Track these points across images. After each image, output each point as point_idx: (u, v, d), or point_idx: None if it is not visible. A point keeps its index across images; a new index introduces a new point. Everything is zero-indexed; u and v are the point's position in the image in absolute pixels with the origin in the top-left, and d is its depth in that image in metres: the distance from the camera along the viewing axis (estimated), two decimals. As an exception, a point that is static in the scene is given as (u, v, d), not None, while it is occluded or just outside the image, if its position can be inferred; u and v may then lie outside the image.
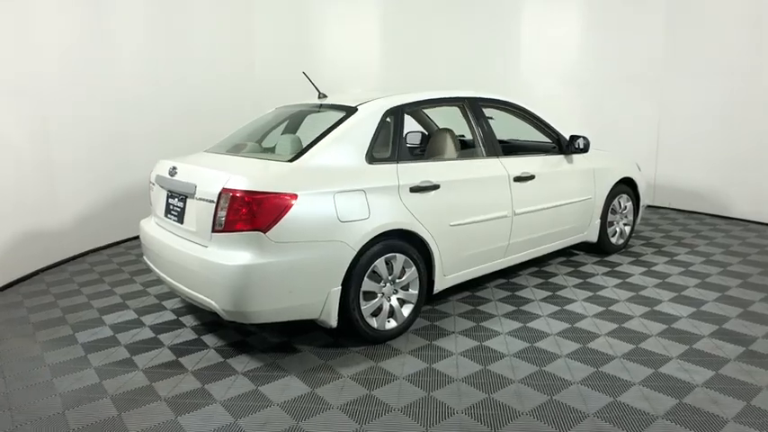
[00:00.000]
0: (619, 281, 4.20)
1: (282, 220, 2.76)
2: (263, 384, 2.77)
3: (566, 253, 4.94)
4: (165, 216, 3.29)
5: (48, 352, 3.17)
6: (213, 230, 2.82)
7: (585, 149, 4.33)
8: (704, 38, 6.09)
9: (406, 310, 3.31)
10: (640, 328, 3.34)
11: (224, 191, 2.77)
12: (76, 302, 3.93)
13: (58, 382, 2.81)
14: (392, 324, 3.25)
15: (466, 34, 7.31)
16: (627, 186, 4.90)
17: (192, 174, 3.08)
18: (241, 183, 2.77)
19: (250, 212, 2.72)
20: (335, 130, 3.16)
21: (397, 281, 3.25)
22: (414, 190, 3.26)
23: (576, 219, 4.45)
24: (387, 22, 7.22)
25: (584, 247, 4.93)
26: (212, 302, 2.84)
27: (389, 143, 3.34)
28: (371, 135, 3.23)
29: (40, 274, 4.55)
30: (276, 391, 2.71)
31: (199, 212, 2.93)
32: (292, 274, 2.81)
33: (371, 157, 3.18)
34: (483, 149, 3.81)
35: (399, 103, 3.45)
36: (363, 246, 3.01)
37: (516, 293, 3.96)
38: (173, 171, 3.22)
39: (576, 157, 4.42)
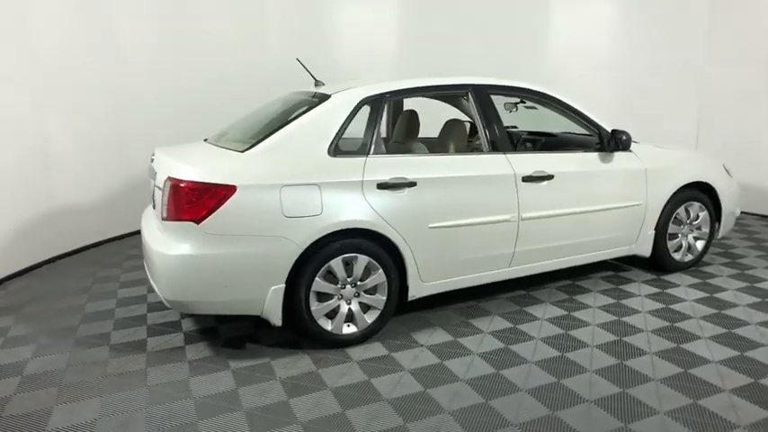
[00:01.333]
0: (659, 306, 3.49)
1: (218, 211, 2.67)
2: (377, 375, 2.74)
3: (611, 266, 4.24)
4: (152, 203, 3.40)
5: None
6: (161, 219, 2.83)
7: (624, 147, 3.65)
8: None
9: (371, 316, 3.07)
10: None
11: (167, 179, 2.76)
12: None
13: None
14: (351, 329, 3.03)
15: (492, 16, 6.62)
16: (700, 192, 4.04)
17: (159, 162, 3.12)
18: (181, 172, 2.74)
19: (188, 202, 2.68)
20: (297, 120, 2.99)
21: (359, 284, 3.01)
22: (382, 186, 2.97)
23: (618, 228, 3.77)
24: (407, 3, 6.69)
25: (640, 261, 4.18)
26: (157, 290, 2.87)
27: (362, 135, 3.08)
28: (339, 126, 2.99)
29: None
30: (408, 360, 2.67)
31: (158, 201, 2.97)
32: (227, 269, 2.72)
33: (336, 150, 2.96)
34: (487, 144, 3.37)
35: (379, 92, 3.15)
36: (313, 243, 2.82)
37: (525, 308, 3.48)
38: (152, 158, 3.31)
39: (621, 155, 3.73)
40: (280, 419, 2.38)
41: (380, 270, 3.02)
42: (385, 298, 3.07)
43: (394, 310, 3.14)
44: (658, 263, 4.09)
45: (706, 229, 4.17)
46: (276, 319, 2.85)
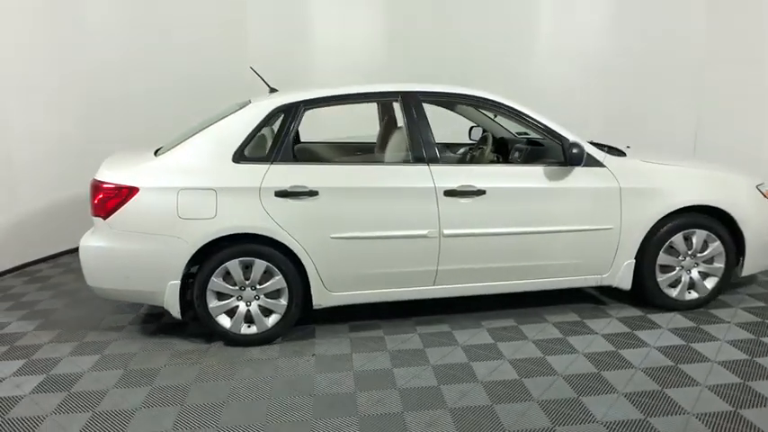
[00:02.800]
0: (606, 349, 2.99)
1: (121, 210, 2.98)
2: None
3: (589, 298, 3.70)
4: None
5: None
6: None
7: (573, 162, 3.18)
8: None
9: (272, 320, 3.15)
10: None
11: (92, 179, 3.14)
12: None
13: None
14: (252, 330, 3.14)
15: (481, 17, 6.00)
16: (709, 218, 3.34)
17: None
18: (100, 174, 3.09)
19: (99, 200, 3.03)
20: (209, 127, 3.16)
21: (258, 287, 3.10)
22: (280, 194, 3.02)
23: (579, 254, 3.30)
24: (391, 6, 6.19)
25: (634, 296, 3.58)
26: None
27: (270, 142, 3.15)
28: (247, 133, 3.10)
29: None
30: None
31: None
32: (127, 261, 3.01)
33: (240, 156, 3.08)
34: (410, 154, 3.19)
35: (294, 101, 3.18)
36: (210, 244, 2.99)
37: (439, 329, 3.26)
38: None
39: (588, 170, 3.25)
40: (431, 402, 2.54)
41: (279, 276, 3.09)
42: (286, 303, 3.13)
43: (298, 315, 3.18)
44: (647, 299, 3.48)
45: (719, 264, 3.43)
46: (175, 312, 3.07)
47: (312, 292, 3.14)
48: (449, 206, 3.13)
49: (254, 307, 3.13)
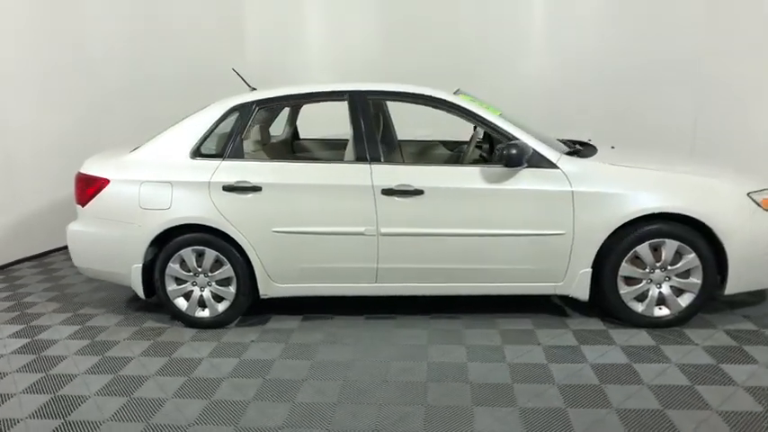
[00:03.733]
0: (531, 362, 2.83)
1: (95, 198, 3.36)
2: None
3: (547, 308, 3.48)
4: None
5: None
6: None
7: (508, 163, 3.01)
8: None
9: (222, 306, 3.37)
10: None
11: (77, 172, 3.55)
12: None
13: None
14: (205, 314, 3.39)
15: (473, 17, 5.82)
16: (683, 228, 3.01)
17: None
18: (83, 167, 3.50)
19: (80, 190, 3.44)
20: (175, 125, 3.44)
21: (210, 274, 3.34)
22: (227, 189, 3.22)
23: (528, 259, 3.15)
24: (387, 7, 6.03)
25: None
26: None
27: (224, 139, 3.35)
28: (204, 131, 3.34)
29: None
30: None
31: None
32: (99, 244, 3.39)
33: (197, 152, 3.33)
34: (353, 152, 3.24)
35: (247, 101, 3.36)
36: (162, 233, 3.28)
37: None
38: None
39: (538, 172, 3.09)
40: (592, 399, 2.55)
41: (228, 265, 3.30)
42: (234, 291, 3.34)
43: (247, 303, 3.37)
44: (611, 313, 3.22)
45: (696, 280, 3.08)
46: (140, 292, 3.40)
47: (258, 283, 3.32)
48: (386, 205, 3.14)
49: (206, 293, 3.38)
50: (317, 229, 3.20)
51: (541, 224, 3.09)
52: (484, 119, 3.20)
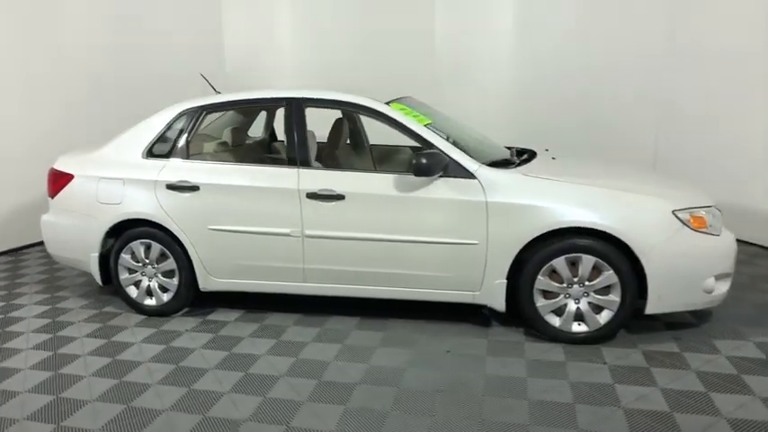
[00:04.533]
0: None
1: (61, 192, 3.71)
2: None
3: (477, 319, 3.45)
4: None
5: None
6: None
7: (416, 173, 3.05)
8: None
9: (167, 296, 3.63)
10: None
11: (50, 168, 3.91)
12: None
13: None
14: (152, 302, 3.66)
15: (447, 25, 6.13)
16: (602, 243, 2.94)
17: None
18: (56, 162, 3.85)
19: (51, 183, 3.79)
20: (134, 126, 3.72)
21: (156, 266, 3.60)
22: (170, 187, 3.47)
23: (444, 267, 3.18)
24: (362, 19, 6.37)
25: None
26: None
27: (173, 141, 3.59)
28: (156, 133, 3.61)
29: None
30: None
31: None
32: (65, 234, 3.73)
33: (149, 153, 3.59)
34: (286, 156, 3.39)
35: (196, 106, 3.59)
36: (115, 226, 3.57)
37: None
38: None
39: (454, 181, 3.11)
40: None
41: (171, 258, 3.55)
42: (176, 282, 3.58)
43: (190, 295, 3.60)
44: (530, 325, 3.19)
45: (615, 297, 3.00)
46: (97, 278, 3.72)
47: (197, 276, 3.55)
48: (310, 208, 3.27)
49: (153, 283, 3.65)
50: (247, 228, 3.38)
51: (456, 233, 3.11)
52: (408, 128, 3.26)
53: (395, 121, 3.28)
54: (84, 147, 4.26)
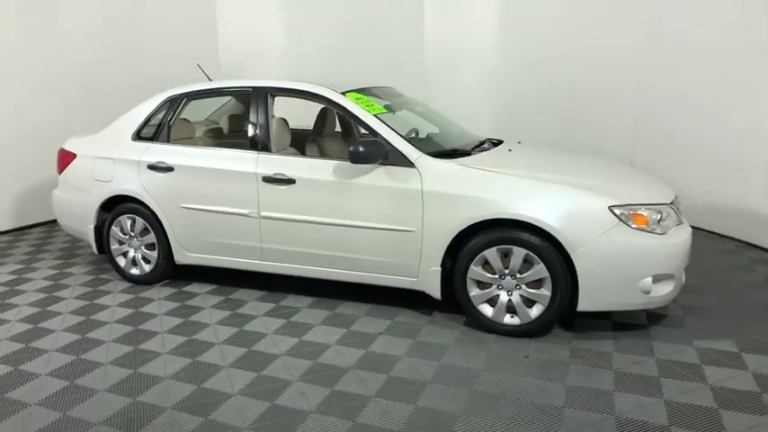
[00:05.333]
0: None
1: (67, 168, 4.16)
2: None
3: (421, 304, 3.48)
4: None
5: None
6: None
7: (352, 160, 3.17)
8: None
9: (148, 267, 3.98)
10: (190, 371, 2.76)
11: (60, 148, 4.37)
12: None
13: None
14: (137, 271, 4.03)
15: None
16: (534, 236, 2.93)
17: None
18: (65, 143, 4.30)
19: (60, 161, 4.25)
20: (129, 111, 4.08)
21: (140, 239, 3.96)
22: (151, 167, 3.81)
23: (384, 253, 3.28)
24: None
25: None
26: None
27: (157, 125, 3.92)
28: (144, 117, 3.96)
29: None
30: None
31: None
32: (69, 207, 4.18)
33: (137, 136, 3.95)
34: (248, 142, 3.61)
35: (178, 93, 3.90)
36: (106, 201, 3.96)
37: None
38: None
39: (393, 169, 3.21)
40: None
41: (152, 232, 3.90)
42: (156, 255, 3.92)
43: (168, 269, 3.93)
44: (465, 313, 3.22)
45: (546, 291, 2.97)
46: (93, 248, 4.14)
47: (173, 250, 3.87)
48: (266, 191, 3.48)
49: (138, 254, 4.01)
50: (213, 207, 3.65)
51: (394, 220, 3.20)
52: (357, 117, 3.38)
53: (346, 109, 3.42)
54: (93, 129, 4.72)
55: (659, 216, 2.95)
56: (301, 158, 3.50)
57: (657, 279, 2.91)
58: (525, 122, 6.00)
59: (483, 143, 3.80)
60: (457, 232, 3.06)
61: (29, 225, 5.72)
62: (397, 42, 6.38)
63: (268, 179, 3.46)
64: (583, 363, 2.81)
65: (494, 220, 2.99)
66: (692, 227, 3.38)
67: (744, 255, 4.35)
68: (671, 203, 3.12)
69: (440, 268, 3.16)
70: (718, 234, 4.86)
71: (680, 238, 2.98)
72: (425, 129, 4.05)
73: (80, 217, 4.14)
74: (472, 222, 3.01)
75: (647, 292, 2.90)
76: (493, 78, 6.21)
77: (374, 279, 3.41)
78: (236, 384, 2.68)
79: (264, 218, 3.51)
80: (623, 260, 2.86)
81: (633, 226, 2.87)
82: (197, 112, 4.53)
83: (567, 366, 2.78)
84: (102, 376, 2.79)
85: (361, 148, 3.13)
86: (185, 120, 4.09)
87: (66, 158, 4.19)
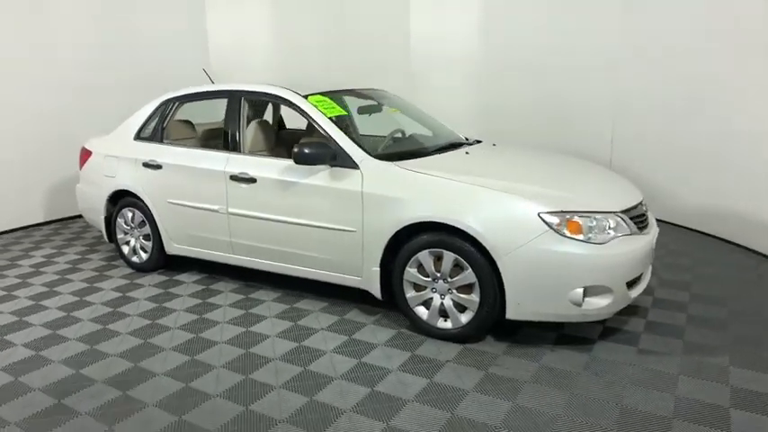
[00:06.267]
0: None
1: (85, 165, 4.64)
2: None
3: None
4: None
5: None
6: None
7: (296, 160, 3.27)
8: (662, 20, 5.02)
9: (145, 255, 4.35)
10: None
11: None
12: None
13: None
14: (136, 259, 4.41)
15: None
16: (465, 242, 2.89)
17: None
18: (86, 143, 4.80)
19: (81, 158, 4.74)
20: (135, 113, 4.48)
21: (138, 231, 4.35)
22: (145, 165, 4.16)
23: (330, 251, 3.38)
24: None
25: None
26: None
27: (153, 126, 4.27)
28: (144, 119, 4.33)
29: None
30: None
31: None
32: (87, 199, 4.67)
33: (138, 136, 4.33)
34: (225, 142, 3.83)
35: (170, 97, 4.23)
36: (111, 194, 4.38)
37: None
38: None
39: (338, 170, 3.29)
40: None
41: (147, 225, 4.26)
42: (151, 245, 4.29)
43: (161, 256, 4.28)
44: (403, 315, 3.23)
45: (475, 297, 2.92)
46: (104, 236, 4.59)
47: (163, 241, 4.21)
48: (233, 189, 3.70)
49: (137, 244, 4.40)
50: (191, 203, 3.93)
51: (339, 220, 3.29)
52: (312, 118, 3.50)
53: (303, 110, 3.55)
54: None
55: (595, 224, 2.79)
56: (264, 158, 3.68)
57: (593, 292, 2.77)
58: (508, 123, 6.19)
59: (461, 144, 3.81)
60: (392, 233, 3.09)
61: (74, 216, 6.37)
62: (383, 45, 6.73)
63: (234, 177, 3.68)
64: (539, 383, 2.75)
65: (430, 223, 2.99)
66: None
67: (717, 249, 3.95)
68: (624, 211, 2.94)
69: (379, 269, 3.20)
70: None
71: (623, 249, 2.80)
72: (414, 129, 4.13)
73: (95, 209, 4.60)
74: (404, 225, 3.03)
75: (579, 305, 2.76)
76: (477, 79, 6.42)
77: (326, 276, 3.51)
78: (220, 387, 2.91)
79: (231, 214, 3.73)
80: (551, 269, 2.75)
81: (566, 234, 2.75)
82: (206, 113, 4.88)
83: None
84: (63, 350, 3.14)
85: (306, 150, 3.25)
86: (179, 121, 4.42)
87: (85, 156, 4.68)
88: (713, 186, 4.76)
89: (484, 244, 2.82)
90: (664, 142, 5.13)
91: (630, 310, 3.36)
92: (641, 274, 3.06)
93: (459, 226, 2.87)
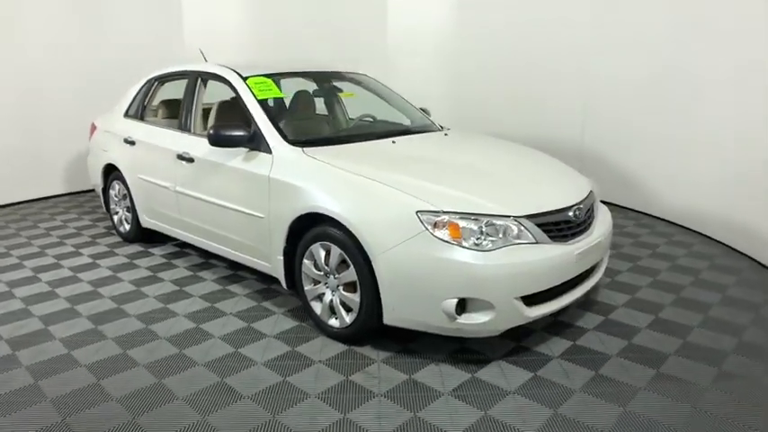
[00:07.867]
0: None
1: (92, 137, 5.01)
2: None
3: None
4: None
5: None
6: None
7: (209, 141, 3.22)
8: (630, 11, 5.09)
9: (128, 227, 4.62)
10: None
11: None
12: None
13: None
14: (122, 230, 4.70)
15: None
16: (347, 236, 2.71)
17: None
18: (96, 119, 5.15)
19: (91, 131, 5.12)
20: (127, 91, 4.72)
21: (122, 202, 4.62)
22: (126, 141, 4.39)
23: (245, 236, 3.35)
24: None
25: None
26: None
27: (137, 105, 4.47)
28: (132, 97, 4.56)
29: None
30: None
31: None
32: (91, 170, 5.04)
33: (126, 113, 4.58)
34: (185, 122, 3.91)
35: (152, 77, 4.40)
36: (106, 167, 4.69)
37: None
38: None
39: (256, 154, 3.23)
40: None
41: (128, 199, 4.51)
42: (131, 217, 4.54)
43: (139, 229, 4.50)
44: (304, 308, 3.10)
45: (356, 297, 2.72)
46: (103, 207, 4.94)
47: (138, 213, 4.42)
48: (179, 168, 3.78)
49: (123, 215, 4.68)
50: (153, 179, 4.08)
51: (250, 204, 3.23)
52: (242, 99, 3.44)
53: (236, 91, 3.51)
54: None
55: (480, 228, 2.46)
56: (200, 138, 3.69)
57: (475, 305, 2.46)
58: (480, 111, 6.26)
59: (420, 131, 3.72)
60: (290, 222, 2.97)
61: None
62: (360, 25, 6.86)
63: (180, 157, 3.75)
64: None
65: (323, 215, 2.83)
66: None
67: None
68: (530, 216, 2.56)
69: (282, 258, 3.10)
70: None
71: (513, 259, 2.45)
72: (387, 115, 4.04)
73: (97, 174, 4.95)
74: (298, 214, 2.90)
75: (453, 318, 2.46)
76: (451, 62, 6.53)
77: (245, 260, 3.48)
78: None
79: (177, 192, 3.82)
80: (424, 274, 2.48)
81: (444, 237, 2.46)
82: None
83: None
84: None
85: (221, 132, 3.20)
86: (161, 100, 4.60)
87: (92, 131, 5.05)
88: (682, 173, 4.77)
89: (360, 240, 2.62)
90: (635, 129, 5.17)
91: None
92: (563, 289, 2.67)
93: (337, 218, 2.69)
